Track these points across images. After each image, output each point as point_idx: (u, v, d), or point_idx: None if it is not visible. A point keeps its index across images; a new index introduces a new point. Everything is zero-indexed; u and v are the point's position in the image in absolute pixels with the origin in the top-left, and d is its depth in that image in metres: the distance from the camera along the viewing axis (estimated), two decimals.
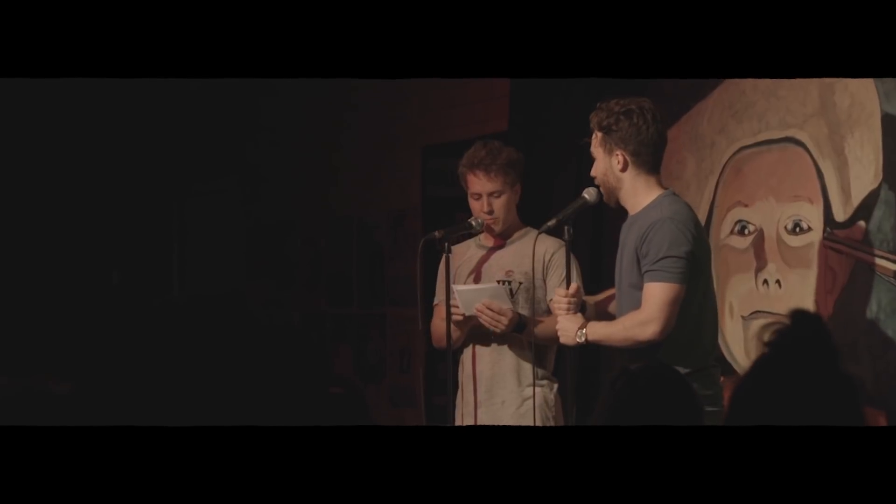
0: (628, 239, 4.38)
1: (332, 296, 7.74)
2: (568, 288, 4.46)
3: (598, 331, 4.39)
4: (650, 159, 4.38)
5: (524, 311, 4.82)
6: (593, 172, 4.44)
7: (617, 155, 4.37)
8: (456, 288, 4.81)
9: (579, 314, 4.42)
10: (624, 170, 4.37)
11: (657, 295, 4.25)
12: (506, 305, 4.73)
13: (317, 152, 7.80)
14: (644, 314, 4.27)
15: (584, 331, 4.36)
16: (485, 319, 4.74)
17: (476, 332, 4.86)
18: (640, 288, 4.30)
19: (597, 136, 4.41)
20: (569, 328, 4.39)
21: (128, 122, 8.42)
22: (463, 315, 4.79)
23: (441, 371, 5.26)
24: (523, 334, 4.80)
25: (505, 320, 4.73)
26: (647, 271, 4.27)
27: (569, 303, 4.41)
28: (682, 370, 4.25)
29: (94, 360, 2.66)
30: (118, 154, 8.44)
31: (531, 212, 5.20)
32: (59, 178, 8.33)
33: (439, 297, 5.00)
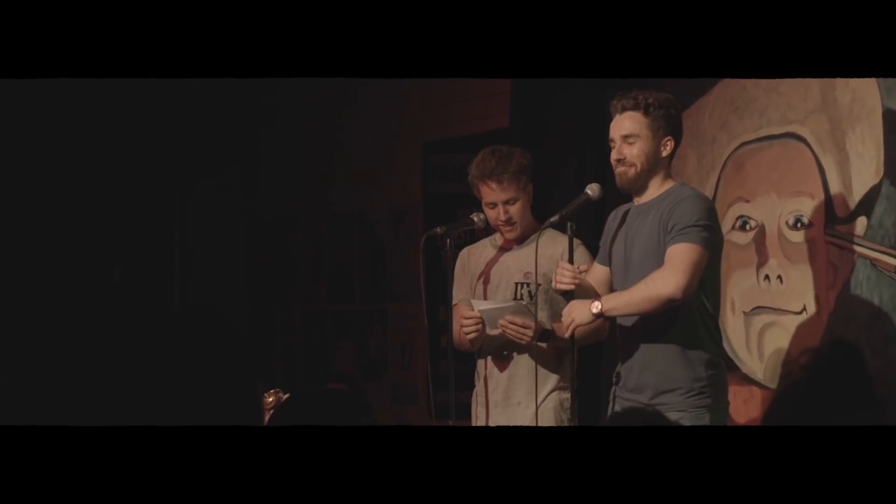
0: (644, 224, 4.37)
1: (334, 292, 7.75)
2: (571, 262, 4.45)
3: (614, 299, 4.37)
4: (675, 153, 4.48)
5: (543, 311, 4.80)
6: (628, 153, 4.41)
7: (668, 140, 4.40)
8: (478, 306, 4.80)
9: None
10: (665, 156, 4.41)
11: (682, 253, 4.25)
12: (529, 319, 4.71)
13: (318, 148, 7.80)
14: (667, 269, 4.25)
15: (598, 302, 4.34)
16: (510, 333, 4.75)
17: (494, 337, 4.86)
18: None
19: (641, 118, 4.40)
20: (580, 305, 4.37)
21: (129, 120, 8.42)
22: (482, 329, 4.79)
23: (443, 367, 5.27)
24: (547, 343, 4.80)
25: (530, 332, 4.72)
26: (672, 237, 4.27)
27: (573, 277, 4.40)
28: (708, 354, 4.30)
29: (96, 359, 2.67)
30: (119, 152, 8.44)
31: (535, 208, 5.19)
32: (60, 176, 8.33)
33: (458, 297, 5.00)
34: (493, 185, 4.86)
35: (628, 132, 4.40)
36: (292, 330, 7.96)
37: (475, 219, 4.96)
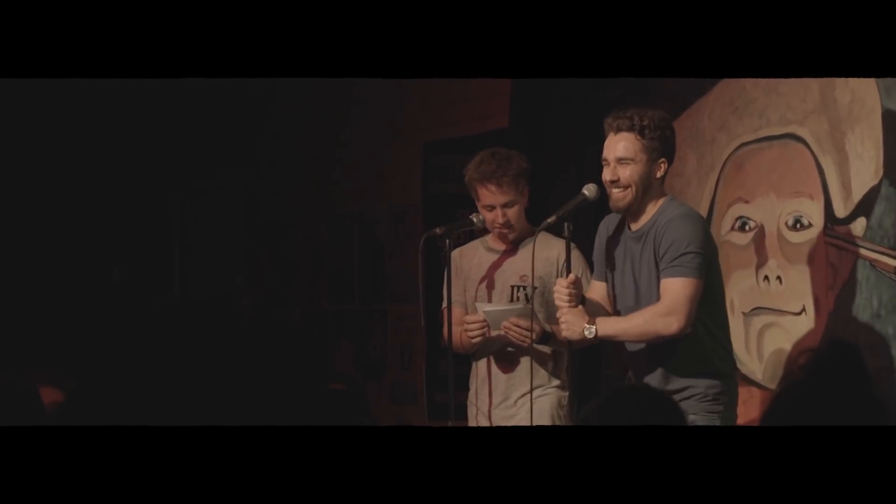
0: (644, 252, 4.33)
1: (333, 292, 7.74)
2: (567, 278, 4.42)
3: (610, 326, 4.35)
4: (667, 173, 4.42)
5: (540, 314, 4.80)
6: (622, 175, 4.33)
7: (662, 162, 4.36)
8: (483, 308, 4.81)
9: (581, 307, 4.39)
10: (659, 177, 4.35)
11: (679, 289, 4.22)
12: (533, 322, 4.72)
13: (318, 149, 7.80)
14: (665, 307, 4.23)
15: (593, 326, 4.32)
16: (513, 335, 4.75)
17: (492, 340, 4.87)
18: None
19: (636, 140, 4.33)
20: (575, 322, 4.34)
21: (129, 120, 8.42)
22: (486, 333, 4.80)
23: (442, 368, 5.27)
24: (548, 345, 4.81)
25: (532, 334, 4.73)
26: (665, 268, 4.24)
27: (570, 294, 4.38)
28: (719, 364, 4.30)
29: (95, 358, 2.67)
30: (120, 152, 8.44)
31: (532, 209, 5.19)
32: (61, 176, 8.33)
33: (452, 298, 4.99)
34: (493, 188, 4.86)
35: (623, 155, 4.32)
36: (292, 330, 7.96)
37: (474, 219, 4.96)
